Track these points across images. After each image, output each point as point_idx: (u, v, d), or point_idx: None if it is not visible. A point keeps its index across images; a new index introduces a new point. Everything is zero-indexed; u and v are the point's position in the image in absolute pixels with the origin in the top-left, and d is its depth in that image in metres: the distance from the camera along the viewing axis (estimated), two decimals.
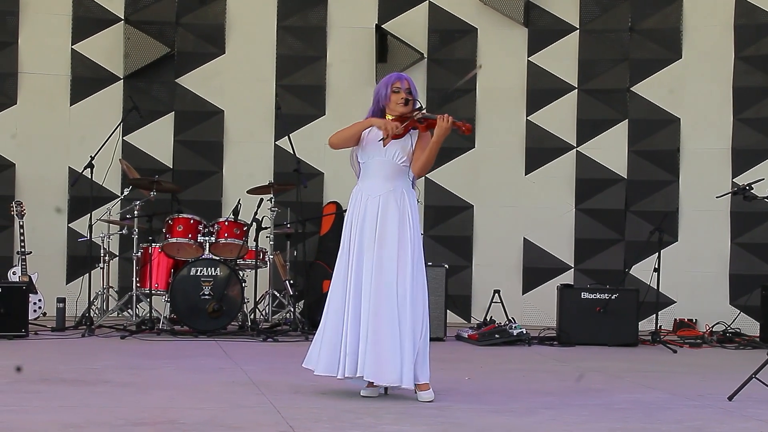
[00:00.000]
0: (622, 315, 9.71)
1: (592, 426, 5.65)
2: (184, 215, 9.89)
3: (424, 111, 6.37)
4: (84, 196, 10.41)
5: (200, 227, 9.85)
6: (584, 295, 9.82)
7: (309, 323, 9.80)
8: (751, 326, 10.34)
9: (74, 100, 11.37)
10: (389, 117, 6.37)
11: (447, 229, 11.41)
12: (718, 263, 10.98)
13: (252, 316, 9.86)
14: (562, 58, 11.36)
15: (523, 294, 11.29)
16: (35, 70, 11.32)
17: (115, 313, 10.26)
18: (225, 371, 7.47)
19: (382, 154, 6.34)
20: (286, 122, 10.68)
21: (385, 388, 6.35)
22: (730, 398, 6.42)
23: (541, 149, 11.38)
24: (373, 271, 6.20)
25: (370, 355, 6.13)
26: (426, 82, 11.35)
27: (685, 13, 11.19)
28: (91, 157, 10.03)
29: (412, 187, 6.42)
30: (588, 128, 11.34)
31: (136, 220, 9.97)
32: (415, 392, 6.25)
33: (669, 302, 10.88)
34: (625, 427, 5.63)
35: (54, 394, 6.33)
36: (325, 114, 11.43)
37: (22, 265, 10.14)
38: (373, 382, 6.26)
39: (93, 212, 10.03)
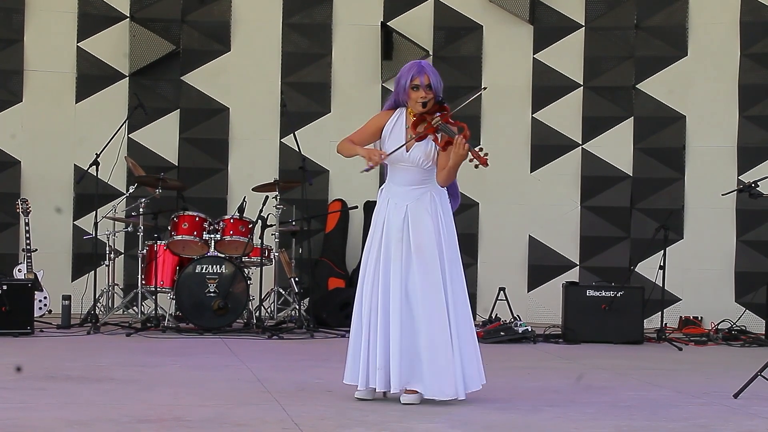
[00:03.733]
0: (627, 312, 9.70)
1: (597, 423, 5.64)
2: (190, 213, 9.89)
3: (447, 113, 6.02)
4: (89, 193, 10.42)
5: (205, 225, 9.85)
6: (589, 292, 9.81)
7: (314, 320, 9.81)
8: (756, 324, 10.32)
9: (80, 97, 11.38)
10: (410, 111, 6.08)
11: None
12: (723, 261, 10.97)
13: (257, 314, 9.86)
14: (567, 56, 11.35)
15: (528, 291, 11.28)
16: (41, 67, 11.33)
17: (121, 311, 10.27)
18: (230, 368, 7.48)
19: (406, 160, 6.05)
20: (292, 119, 10.69)
21: (384, 392, 6.09)
22: (736, 396, 6.41)
23: (546, 146, 11.37)
24: (413, 284, 5.92)
25: (426, 370, 5.90)
26: None
27: (690, 11, 11.17)
28: (96, 154, 10.05)
29: None
30: (593, 125, 11.32)
31: (141, 217, 9.97)
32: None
33: (674, 300, 10.86)
34: (630, 425, 5.63)
35: (59, 391, 6.33)
36: (330, 111, 11.41)
37: (27, 262, 10.15)
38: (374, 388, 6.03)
39: (98, 210, 10.05)
